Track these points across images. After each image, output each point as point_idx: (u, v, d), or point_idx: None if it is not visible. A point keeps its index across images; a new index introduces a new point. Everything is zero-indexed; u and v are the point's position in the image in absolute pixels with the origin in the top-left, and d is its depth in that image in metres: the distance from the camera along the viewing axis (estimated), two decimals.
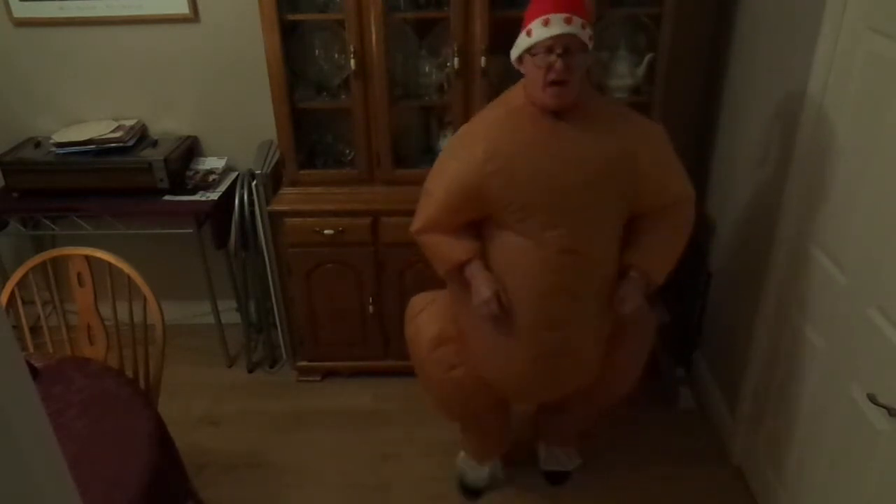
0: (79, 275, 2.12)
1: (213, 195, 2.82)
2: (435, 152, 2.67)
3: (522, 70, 1.78)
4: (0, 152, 2.84)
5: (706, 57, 2.80)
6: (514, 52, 1.77)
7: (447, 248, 1.93)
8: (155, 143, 2.87)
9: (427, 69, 2.59)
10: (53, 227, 2.93)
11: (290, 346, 3.04)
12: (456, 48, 2.41)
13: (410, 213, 2.02)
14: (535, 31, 1.69)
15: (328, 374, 3.05)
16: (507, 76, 2.28)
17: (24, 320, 2.17)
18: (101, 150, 2.78)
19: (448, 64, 2.49)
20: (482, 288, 1.88)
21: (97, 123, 2.90)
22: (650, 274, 1.93)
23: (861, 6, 1.75)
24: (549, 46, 1.68)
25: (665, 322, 2.79)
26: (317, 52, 2.62)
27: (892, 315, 1.61)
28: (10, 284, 2.13)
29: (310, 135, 2.80)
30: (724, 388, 2.65)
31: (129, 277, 2.07)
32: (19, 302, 2.14)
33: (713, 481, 2.49)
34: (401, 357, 2.75)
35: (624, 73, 2.53)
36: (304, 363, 3.01)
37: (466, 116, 2.37)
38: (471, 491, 2.45)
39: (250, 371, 3.13)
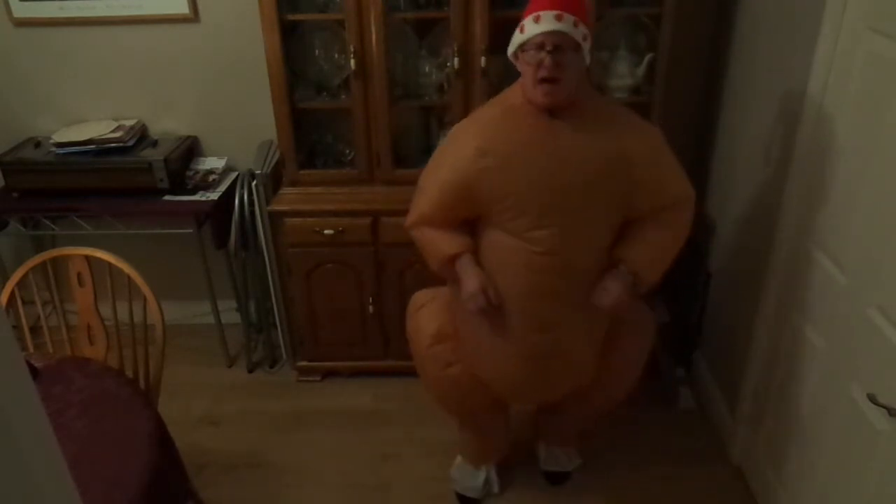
0: (79, 275, 2.12)
1: (213, 195, 2.82)
2: None
3: (519, 67, 1.79)
4: (0, 152, 2.84)
5: (706, 57, 2.80)
6: (510, 49, 1.78)
7: (439, 243, 1.94)
8: (155, 143, 2.87)
9: (427, 69, 2.59)
10: (53, 227, 2.93)
11: (290, 346, 3.04)
12: (456, 48, 2.41)
13: None
14: (528, 28, 1.70)
15: (328, 374, 3.05)
16: (507, 76, 2.28)
17: (24, 320, 2.17)
18: (101, 150, 2.78)
19: (448, 64, 2.49)
20: (469, 282, 1.88)
21: (97, 123, 2.90)
22: (639, 272, 1.89)
23: (861, 6, 1.76)
24: (539, 43, 1.69)
25: (665, 322, 2.79)
26: (317, 52, 2.62)
27: (892, 315, 1.61)
28: (10, 284, 2.13)
29: (310, 135, 2.80)
30: (724, 388, 2.65)
31: (129, 277, 2.07)
32: (19, 302, 2.14)
33: (713, 481, 2.49)
34: (401, 357, 2.76)
35: (624, 73, 2.53)
36: (304, 363, 3.01)
37: (466, 116, 2.36)
38: (467, 500, 2.43)
39: (250, 371, 3.13)
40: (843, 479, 1.83)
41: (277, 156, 2.74)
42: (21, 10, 2.78)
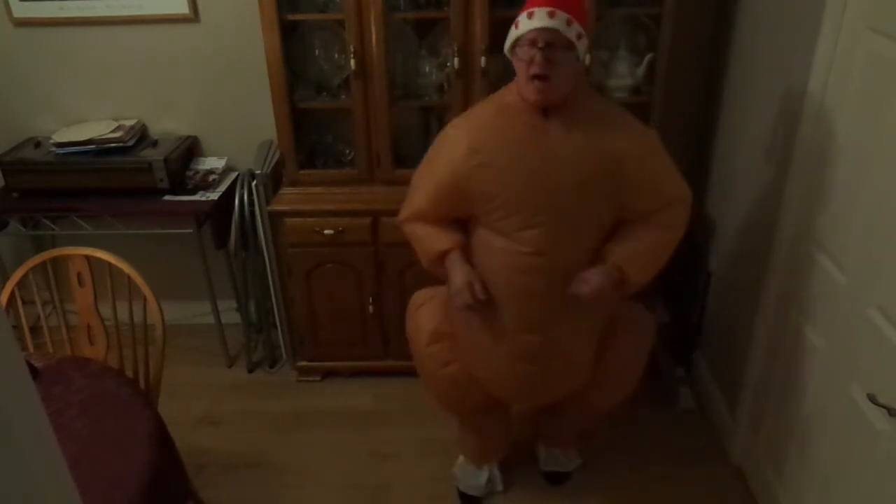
0: (79, 275, 2.12)
1: (213, 195, 2.82)
2: None
3: (514, 64, 1.78)
4: (0, 152, 2.84)
5: (706, 57, 2.80)
6: (506, 45, 1.78)
7: (429, 239, 1.94)
8: (155, 143, 2.87)
9: (427, 69, 2.59)
10: (53, 227, 2.93)
11: (290, 346, 3.04)
12: (456, 48, 2.41)
13: None
14: (521, 24, 1.71)
15: (328, 374, 3.05)
16: (506, 76, 2.27)
17: (24, 320, 2.17)
18: (101, 150, 2.78)
19: (448, 64, 2.49)
20: (456, 278, 1.88)
21: (97, 123, 2.90)
22: (624, 266, 1.85)
23: (861, 6, 1.76)
24: (532, 39, 1.69)
25: (665, 322, 2.79)
26: (317, 52, 2.62)
27: (892, 315, 1.61)
28: (10, 284, 2.13)
29: (310, 135, 2.80)
30: (724, 388, 2.65)
31: (129, 277, 2.07)
32: (19, 302, 2.14)
33: (713, 481, 2.49)
34: (401, 357, 2.76)
35: (624, 73, 2.53)
36: (304, 363, 3.01)
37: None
38: (469, 498, 2.43)
39: (250, 371, 3.13)
40: (843, 479, 1.83)
41: (277, 156, 2.74)
42: (21, 10, 2.78)
